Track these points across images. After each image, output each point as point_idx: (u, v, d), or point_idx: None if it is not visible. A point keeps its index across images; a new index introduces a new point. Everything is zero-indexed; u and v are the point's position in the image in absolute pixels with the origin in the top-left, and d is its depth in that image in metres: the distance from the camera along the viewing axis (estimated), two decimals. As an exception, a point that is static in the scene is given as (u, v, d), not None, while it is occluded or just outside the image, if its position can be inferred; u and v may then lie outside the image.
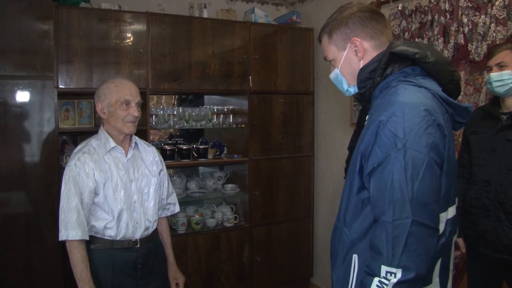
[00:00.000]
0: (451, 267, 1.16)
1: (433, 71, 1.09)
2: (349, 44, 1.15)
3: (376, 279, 0.95)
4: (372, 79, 1.12)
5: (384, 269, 0.94)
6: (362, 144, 1.04)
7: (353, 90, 1.21)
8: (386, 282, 0.93)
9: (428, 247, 0.95)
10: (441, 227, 1.04)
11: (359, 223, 1.07)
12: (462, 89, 2.28)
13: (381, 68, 1.10)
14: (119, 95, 1.74)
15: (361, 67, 1.15)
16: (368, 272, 0.98)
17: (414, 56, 1.07)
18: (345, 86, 1.22)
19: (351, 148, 2.47)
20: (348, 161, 2.45)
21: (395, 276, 0.92)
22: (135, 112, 1.77)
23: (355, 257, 1.07)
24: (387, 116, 0.98)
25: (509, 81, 1.76)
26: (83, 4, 2.75)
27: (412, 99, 1.00)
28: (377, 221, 0.99)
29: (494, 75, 1.79)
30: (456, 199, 1.16)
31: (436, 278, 1.07)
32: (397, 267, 0.92)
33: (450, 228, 1.10)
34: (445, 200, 1.05)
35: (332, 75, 1.23)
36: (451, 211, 1.10)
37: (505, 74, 1.76)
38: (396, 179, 0.94)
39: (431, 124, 0.97)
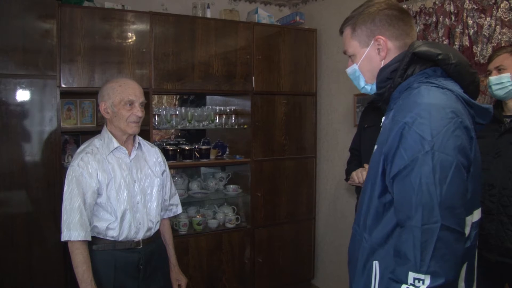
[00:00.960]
0: (476, 271, 1.13)
1: (454, 73, 1.06)
2: (372, 42, 1.12)
3: (403, 287, 0.92)
4: (392, 80, 1.09)
5: (411, 275, 0.91)
6: (384, 146, 1.00)
7: (370, 88, 1.17)
8: None
9: (456, 252, 0.92)
10: (467, 231, 1.01)
11: (381, 228, 1.03)
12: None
13: (402, 68, 1.07)
14: (122, 95, 1.73)
15: (382, 66, 1.11)
16: (394, 279, 0.95)
17: (437, 57, 1.04)
18: (362, 83, 1.18)
19: (353, 149, 2.45)
20: (349, 163, 2.43)
21: (423, 283, 0.89)
22: (138, 112, 1.75)
23: (375, 264, 1.04)
24: (412, 117, 0.95)
25: (508, 84, 1.76)
26: (86, 3, 2.75)
27: (437, 100, 0.97)
28: (403, 226, 0.96)
29: (493, 78, 1.79)
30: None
31: (462, 283, 1.04)
32: (425, 273, 0.89)
33: (475, 232, 1.07)
34: (471, 203, 1.03)
35: (349, 70, 1.20)
36: (476, 214, 1.08)
37: (504, 77, 1.76)
38: (424, 182, 0.91)
39: (458, 127, 0.95)
